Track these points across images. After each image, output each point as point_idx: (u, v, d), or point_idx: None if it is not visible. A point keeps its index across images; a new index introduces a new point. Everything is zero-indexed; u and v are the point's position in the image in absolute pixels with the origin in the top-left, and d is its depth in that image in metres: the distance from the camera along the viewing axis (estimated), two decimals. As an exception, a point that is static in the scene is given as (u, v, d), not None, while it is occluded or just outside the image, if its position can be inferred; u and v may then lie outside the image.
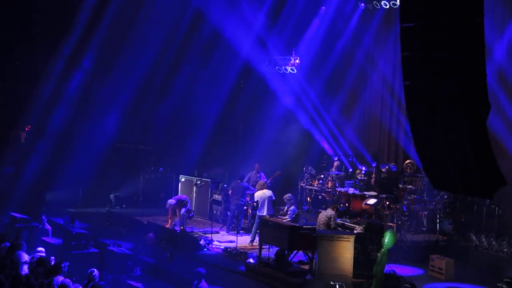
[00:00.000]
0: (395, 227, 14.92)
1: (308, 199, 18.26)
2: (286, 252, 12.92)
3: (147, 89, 21.36)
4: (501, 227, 16.08)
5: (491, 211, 16.24)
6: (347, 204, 16.78)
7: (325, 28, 20.11)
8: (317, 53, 20.39)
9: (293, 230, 12.87)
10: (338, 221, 13.65)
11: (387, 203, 15.54)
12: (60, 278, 10.62)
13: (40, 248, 12.94)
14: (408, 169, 17.20)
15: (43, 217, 16.28)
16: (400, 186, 16.61)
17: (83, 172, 19.94)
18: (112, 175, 20.99)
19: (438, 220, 15.93)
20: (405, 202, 15.89)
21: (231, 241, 15.82)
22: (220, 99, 21.09)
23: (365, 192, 16.63)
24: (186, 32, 20.99)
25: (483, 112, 6.15)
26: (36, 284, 10.13)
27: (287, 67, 20.48)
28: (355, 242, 12.10)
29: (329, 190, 17.74)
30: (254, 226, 15.63)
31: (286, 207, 14.80)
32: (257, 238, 14.87)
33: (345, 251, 11.94)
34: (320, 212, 13.92)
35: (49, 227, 16.26)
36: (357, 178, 17.80)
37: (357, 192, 16.88)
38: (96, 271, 11.17)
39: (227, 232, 16.90)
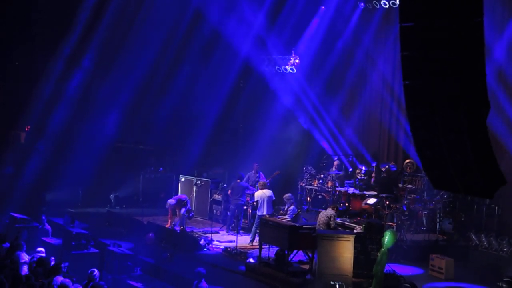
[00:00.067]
0: (395, 227, 14.92)
1: (308, 198, 18.25)
2: (286, 252, 12.92)
3: (147, 89, 21.36)
4: (501, 227, 16.10)
5: (491, 211, 16.26)
6: (347, 204, 16.78)
7: (324, 28, 20.11)
8: (317, 53, 20.39)
9: (293, 229, 12.87)
10: (338, 220, 13.65)
11: (387, 202, 15.54)
12: (60, 279, 10.62)
13: (40, 248, 12.94)
14: (408, 169, 17.20)
15: (43, 217, 16.29)
16: (400, 185, 16.61)
17: (83, 172, 19.94)
18: (112, 175, 20.99)
19: (438, 220, 15.93)
20: (405, 202, 15.89)
21: (231, 241, 15.82)
22: (220, 99, 21.08)
23: (365, 192, 16.63)
24: (185, 32, 20.98)
25: (483, 111, 6.15)
26: (36, 285, 10.13)
27: (286, 66, 20.48)
28: (355, 241, 12.11)
29: (329, 189, 17.74)
30: (254, 225, 15.63)
31: (286, 207, 14.81)
32: (257, 238, 14.87)
33: (345, 251, 11.95)
34: (320, 211, 13.92)
35: (49, 227, 16.27)
36: (357, 177, 17.80)
37: (357, 191, 16.88)
38: (96, 271, 11.17)
39: (227, 232, 16.90)
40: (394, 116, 19.10)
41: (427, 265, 13.83)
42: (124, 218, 19.00)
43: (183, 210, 16.58)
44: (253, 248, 14.90)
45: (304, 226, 13.13)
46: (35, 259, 11.79)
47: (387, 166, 17.19)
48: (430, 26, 6.16)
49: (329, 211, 13.06)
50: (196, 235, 16.33)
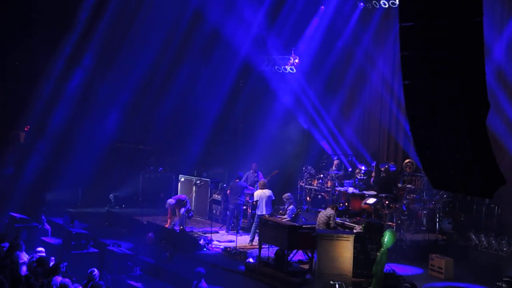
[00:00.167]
0: (394, 227, 14.93)
1: (308, 198, 18.25)
2: (285, 252, 12.92)
3: (147, 89, 21.35)
4: (500, 227, 16.10)
5: (490, 211, 16.26)
6: (346, 204, 16.78)
7: (324, 28, 20.11)
8: (317, 53, 20.39)
9: (292, 229, 12.87)
10: (338, 220, 13.65)
11: (387, 202, 15.54)
12: (59, 279, 10.62)
13: (40, 248, 12.94)
14: (407, 169, 17.20)
15: (43, 217, 16.29)
16: (400, 185, 16.61)
17: (82, 172, 19.94)
18: (111, 175, 20.98)
19: (437, 220, 15.93)
20: (405, 202, 15.89)
21: (230, 241, 15.82)
22: (219, 98, 21.08)
23: (365, 192, 16.63)
24: (185, 32, 20.98)
25: (482, 111, 6.16)
26: (36, 284, 10.13)
27: (286, 66, 20.48)
28: (355, 241, 12.10)
29: (329, 189, 17.74)
30: (253, 225, 15.63)
31: (285, 207, 14.81)
32: (256, 238, 14.87)
33: (345, 251, 11.94)
34: (320, 211, 13.92)
35: (48, 227, 16.27)
36: (357, 177, 17.79)
37: (356, 191, 16.88)
38: (96, 271, 11.17)
39: (227, 231, 16.90)
40: (394, 115, 19.10)
41: (427, 265, 13.82)
42: (124, 218, 19.00)
43: (182, 210, 16.58)
44: (253, 248, 14.90)
45: (303, 226, 13.13)
46: (34, 259, 11.80)
47: (386, 166, 17.19)
48: (429, 26, 6.17)
49: (329, 211, 13.06)
50: (196, 235, 16.32)
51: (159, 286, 13.39)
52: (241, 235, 15.97)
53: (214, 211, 18.28)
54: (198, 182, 18.65)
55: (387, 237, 11.68)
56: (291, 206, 14.60)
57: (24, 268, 11.53)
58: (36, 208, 17.99)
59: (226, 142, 22.09)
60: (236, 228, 16.45)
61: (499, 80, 16.02)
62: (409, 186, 16.66)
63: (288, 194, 15.17)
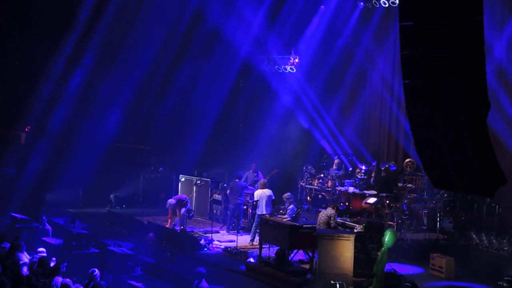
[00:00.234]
0: (395, 226, 14.92)
1: (308, 198, 18.25)
2: (286, 251, 12.92)
3: (147, 89, 21.37)
4: (501, 226, 16.08)
5: (491, 210, 16.25)
6: (347, 203, 16.78)
7: (324, 27, 20.10)
8: (317, 52, 20.38)
9: (293, 229, 12.87)
10: (338, 220, 13.64)
11: (387, 202, 15.54)
12: (60, 279, 10.63)
13: (41, 249, 12.96)
14: (408, 168, 17.20)
15: (44, 218, 16.31)
16: (400, 185, 16.61)
17: (83, 172, 19.96)
18: (112, 175, 20.99)
19: (438, 219, 15.93)
20: (405, 201, 15.89)
21: (231, 241, 15.82)
22: (219, 98, 21.09)
23: (365, 191, 16.63)
24: (185, 32, 20.99)
25: (483, 110, 6.15)
26: (38, 285, 10.14)
27: (286, 66, 20.48)
28: (355, 241, 12.09)
29: (329, 189, 17.74)
30: (254, 225, 15.63)
31: (285, 206, 14.81)
32: (257, 238, 14.87)
33: (346, 250, 11.94)
34: (320, 211, 13.91)
35: (49, 227, 16.28)
36: (357, 177, 17.80)
37: (357, 191, 16.88)
38: (97, 271, 11.18)
39: (227, 231, 16.90)
40: (394, 115, 19.10)
41: (428, 264, 13.82)
42: (125, 218, 19.01)
43: (183, 210, 16.58)
44: (254, 248, 14.90)
45: (304, 226, 13.14)
46: (35, 259, 11.80)
47: (386, 166, 17.20)
48: (430, 25, 6.16)
49: (329, 211, 13.05)
50: (197, 235, 16.33)
51: (160, 286, 13.40)
52: (242, 235, 15.97)
53: (214, 211, 18.28)
54: (198, 182, 18.65)
55: (387, 237, 11.68)
56: (291, 206, 14.62)
57: (25, 269, 11.54)
58: (36, 208, 18.02)
59: (226, 142, 22.10)
60: (236, 228, 16.44)
61: (499, 79, 16.01)
62: (409, 185, 16.66)
63: (288, 193, 15.17)
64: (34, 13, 21.07)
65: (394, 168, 17.41)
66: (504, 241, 15.36)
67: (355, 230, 13.01)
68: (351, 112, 20.41)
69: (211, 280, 11.91)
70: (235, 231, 16.34)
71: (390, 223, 15.12)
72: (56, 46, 20.79)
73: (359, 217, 15.24)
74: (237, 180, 16.96)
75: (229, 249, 15.18)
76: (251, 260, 13.87)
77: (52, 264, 11.49)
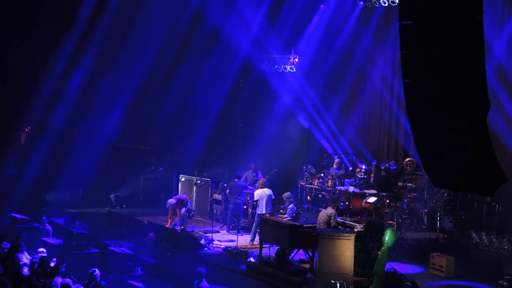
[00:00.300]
0: (395, 225, 14.92)
1: (308, 197, 18.25)
2: (286, 251, 12.92)
3: (147, 88, 21.36)
4: (501, 224, 16.09)
5: (491, 209, 16.26)
6: (347, 203, 16.77)
7: (324, 27, 20.10)
8: (316, 52, 20.38)
9: (293, 229, 12.87)
10: (339, 219, 13.64)
11: (387, 201, 15.54)
12: (59, 280, 10.63)
13: (41, 249, 12.96)
14: (408, 167, 17.20)
15: (44, 218, 16.31)
16: (400, 184, 16.61)
17: (83, 172, 19.96)
18: (112, 175, 20.99)
19: (438, 218, 15.92)
20: (405, 200, 15.89)
21: (231, 240, 15.82)
22: (219, 98, 21.09)
23: (365, 191, 16.62)
24: (185, 32, 20.99)
25: (483, 109, 6.15)
26: (38, 285, 10.14)
27: (286, 66, 20.48)
28: (356, 240, 12.09)
29: (329, 188, 17.73)
30: (254, 225, 15.63)
31: (285, 206, 14.82)
32: (257, 237, 14.87)
33: (346, 250, 11.94)
34: (320, 210, 13.91)
35: (49, 227, 16.28)
36: (357, 176, 17.79)
37: (357, 190, 16.87)
38: (97, 271, 11.18)
39: (228, 231, 16.90)
40: (394, 114, 19.09)
41: (428, 264, 13.82)
42: (125, 218, 19.01)
43: (183, 209, 16.59)
44: (254, 248, 14.90)
45: (304, 225, 13.14)
46: (36, 259, 11.80)
47: (386, 165, 17.19)
48: (429, 25, 6.16)
49: (330, 210, 13.05)
50: (197, 235, 16.33)
51: (160, 286, 13.40)
52: (242, 235, 15.98)
53: (214, 210, 18.28)
54: (198, 182, 18.66)
55: (388, 236, 11.68)
56: (291, 205, 14.62)
57: (25, 270, 11.54)
58: (37, 208, 18.02)
59: (226, 141, 22.10)
60: (236, 228, 16.45)
61: (499, 78, 16.00)
62: (409, 184, 16.65)
63: (288, 193, 15.17)
64: (34, 13, 21.06)
65: (394, 167, 17.40)
66: (504, 240, 15.37)
67: (355, 230, 13.01)
68: (351, 112, 20.40)
69: (211, 280, 11.91)
70: (235, 231, 16.35)
71: (390, 222, 15.12)
72: (56, 46, 20.79)
73: (359, 217, 15.24)
74: (236, 180, 16.97)
75: (229, 248, 15.18)
76: (252, 259, 13.88)
77: (52, 264, 11.49)
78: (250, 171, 17.85)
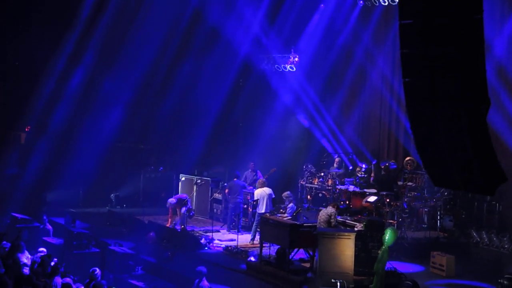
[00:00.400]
0: (395, 224, 14.93)
1: (309, 197, 18.26)
2: (287, 250, 12.92)
3: (147, 88, 21.37)
4: (501, 223, 16.09)
5: (491, 208, 16.26)
6: (347, 202, 16.78)
7: (324, 26, 20.10)
8: (316, 51, 20.38)
9: (294, 228, 12.87)
10: (339, 218, 13.64)
11: (388, 200, 15.54)
12: (59, 280, 10.63)
13: (41, 249, 12.97)
14: (408, 166, 17.20)
15: (44, 217, 16.31)
16: (400, 183, 16.61)
17: (83, 172, 19.96)
18: (112, 174, 21.01)
19: (438, 217, 15.93)
20: (406, 199, 15.89)
21: (231, 240, 15.82)
22: (220, 97, 21.09)
23: (366, 190, 16.63)
24: (185, 31, 20.99)
25: (483, 108, 6.15)
26: (39, 284, 10.14)
27: (286, 65, 20.47)
28: (356, 239, 12.09)
29: (329, 188, 17.74)
30: (254, 224, 15.63)
31: (285, 205, 14.82)
32: (257, 237, 14.88)
33: (346, 249, 11.94)
34: (321, 210, 13.92)
35: (50, 227, 16.29)
36: (357, 175, 17.80)
37: (357, 189, 16.88)
38: (98, 270, 11.19)
39: (228, 230, 16.91)
40: (394, 113, 19.09)
41: (428, 263, 13.82)
42: (125, 217, 19.02)
43: (183, 209, 16.59)
44: (254, 247, 14.90)
45: (304, 224, 13.14)
46: (36, 259, 11.81)
47: (386, 164, 17.18)
48: (429, 23, 6.16)
49: (330, 209, 13.06)
50: (197, 234, 16.33)
51: (160, 285, 13.41)
52: (242, 234, 15.98)
53: (215, 210, 18.29)
54: (199, 181, 18.66)
55: (388, 235, 11.68)
56: (291, 204, 14.64)
57: (25, 270, 11.54)
58: (37, 208, 18.04)
59: (226, 141, 22.11)
60: (237, 227, 16.46)
61: (499, 77, 15.99)
62: (410, 184, 16.65)
63: (288, 192, 15.18)
64: (34, 12, 21.06)
65: (394, 166, 17.40)
66: (505, 239, 15.37)
67: (356, 229, 13.00)
68: (351, 111, 20.40)
69: (211, 279, 11.92)
70: (236, 230, 16.36)
71: (391, 221, 15.13)
72: (57, 45, 20.79)
73: (359, 216, 15.22)
74: (235, 179, 16.98)
75: (229, 248, 15.19)
76: (252, 259, 13.88)
77: (52, 264, 11.50)
78: (249, 170, 17.86)
